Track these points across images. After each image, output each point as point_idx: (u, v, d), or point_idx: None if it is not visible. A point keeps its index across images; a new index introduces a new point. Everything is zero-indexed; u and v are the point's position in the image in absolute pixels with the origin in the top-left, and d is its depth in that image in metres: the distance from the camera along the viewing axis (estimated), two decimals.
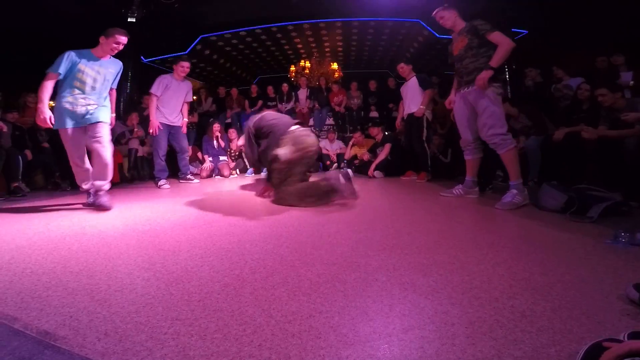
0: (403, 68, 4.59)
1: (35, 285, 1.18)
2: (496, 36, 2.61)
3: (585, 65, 4.98)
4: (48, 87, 2.67)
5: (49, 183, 4.46)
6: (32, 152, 4.15)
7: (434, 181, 4.33)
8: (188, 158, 4.84)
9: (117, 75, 3.03)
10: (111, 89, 3.05)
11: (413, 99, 4.44)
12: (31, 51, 6.63)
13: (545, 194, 2.49)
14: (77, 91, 2.76)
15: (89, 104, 2.78)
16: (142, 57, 7.53)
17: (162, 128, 4.32)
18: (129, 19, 6.16)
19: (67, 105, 2.72)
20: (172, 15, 7.04)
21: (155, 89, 4.27)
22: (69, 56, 2.73)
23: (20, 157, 3.81)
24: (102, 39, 2.83)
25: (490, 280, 1.20)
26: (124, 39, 2.86)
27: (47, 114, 2.63)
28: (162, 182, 4.31)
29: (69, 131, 2.76)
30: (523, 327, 0.89)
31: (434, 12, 3.00)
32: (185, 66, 4.38)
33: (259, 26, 8.59)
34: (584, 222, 2.08)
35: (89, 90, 2.79)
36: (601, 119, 3.31)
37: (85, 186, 2.89)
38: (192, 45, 8.85)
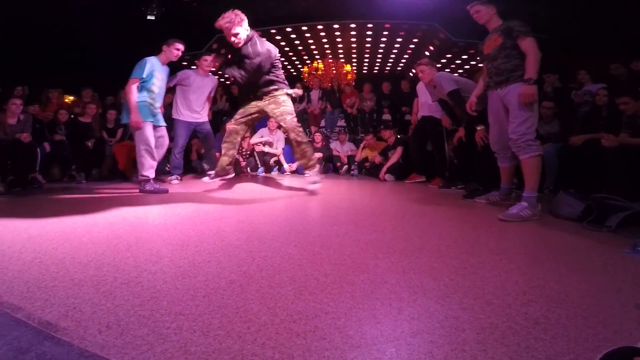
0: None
1: (42, 275, 1.18)
2: (527, 43, 2.40)
3: (606, 71, 4.83)
4: (134, 90, 3.17)
5: (65, 175, 4.56)
6: (50, 145, 4.25)
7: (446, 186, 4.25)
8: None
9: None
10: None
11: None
12: (54, 48, 6.83)
13: (562, 202, 2.42)
14: (152, 94, 3.33)
15: (158, 107, 3.41)
16: None
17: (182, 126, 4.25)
18: (149, 17, 6.29)
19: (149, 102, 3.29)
20: (190, 13, 7.15)
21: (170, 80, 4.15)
22: (150, 63, 3.25)
23: (39, 149, 3.91)
24: (164, 47, 3.36)
25: (503, 286, 1.15)
26: (182, 47, 3.45)
27: (140, 118, 3.17)
28: (172, 177, 4.23)
29: (149, 125, 3.28)
30: (537, 334, 0.85)
31: (470, 5, 2.73)
32: (208, 60, 4.26)
33: (273, 26, 8.64)
34: (601, 231, 2.01)
35: (158, 94, 3.40)
36: (623, 126, 3.20)
37: (145, 172, 3.30)
38: (208, 44, 8.96)
